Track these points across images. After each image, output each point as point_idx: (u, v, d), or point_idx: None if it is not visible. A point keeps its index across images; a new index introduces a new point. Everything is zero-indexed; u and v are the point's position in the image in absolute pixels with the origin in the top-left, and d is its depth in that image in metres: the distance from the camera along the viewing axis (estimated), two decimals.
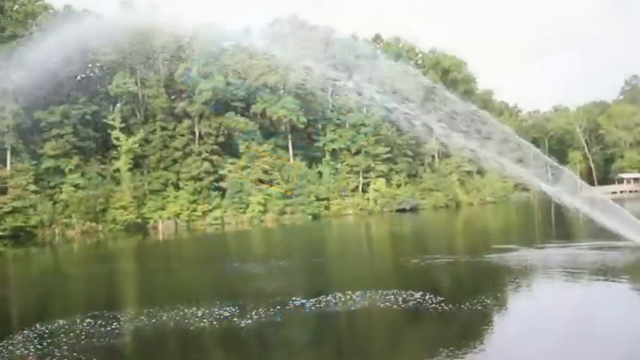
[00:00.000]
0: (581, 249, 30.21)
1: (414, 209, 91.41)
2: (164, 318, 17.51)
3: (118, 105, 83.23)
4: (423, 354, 12.88)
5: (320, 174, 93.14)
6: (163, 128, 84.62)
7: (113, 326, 16.42)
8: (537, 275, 24.04)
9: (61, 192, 74.31)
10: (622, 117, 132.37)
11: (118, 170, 79.52)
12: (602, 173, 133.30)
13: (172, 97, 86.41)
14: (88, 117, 78.73)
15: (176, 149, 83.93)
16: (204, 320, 16.91)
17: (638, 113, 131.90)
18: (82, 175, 76.42)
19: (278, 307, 18.34)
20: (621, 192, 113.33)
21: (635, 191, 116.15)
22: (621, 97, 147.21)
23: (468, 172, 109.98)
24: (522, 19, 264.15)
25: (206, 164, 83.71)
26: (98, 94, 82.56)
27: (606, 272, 22.99)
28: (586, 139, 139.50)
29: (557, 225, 55.50)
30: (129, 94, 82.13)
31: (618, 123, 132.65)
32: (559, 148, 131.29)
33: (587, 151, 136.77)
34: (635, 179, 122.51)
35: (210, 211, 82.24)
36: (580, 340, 13.63)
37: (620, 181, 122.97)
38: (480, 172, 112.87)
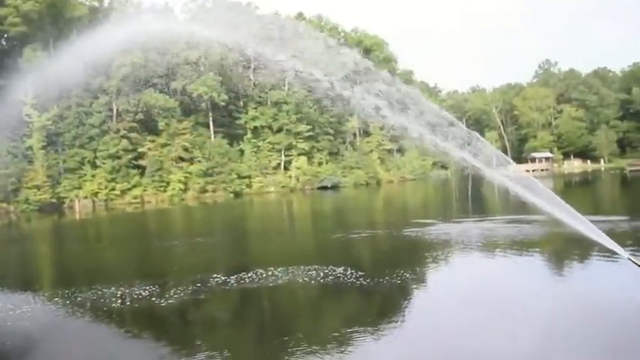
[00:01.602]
0: (496, 223, 31.73)
1: (335, 187, 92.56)
2: (79, 299, 17.20)
3: (29, 79, 79.48)
4: (342, 328, 13.28)
5: (241, 152, 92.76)
6: (79, 105, 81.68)
7: (24, 309, 15.99)
8: (455, 249, 24.93)
9: None
10: (535, 99, 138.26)
11: (30, 148, 76.23)
12: (516, 153, 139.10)
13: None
14: None
15: (93, 126, 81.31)
16: (125, 300, 16.74)
17: (550, 96, 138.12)
18: None
19: (199, 285, 18.35)
20: (533, 170, 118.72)
21: (546, 170, 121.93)
22: (535, 79, 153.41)
23: (389, 151, 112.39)
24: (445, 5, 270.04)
25: (124, 142, 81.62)
26: (6, 68, 78.51)
27: (519, 245, 24.28)
28: (502, 119, 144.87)
29: (474, 201, 57.75)
30: (40, 68, 78.50)
31: (532, 105, 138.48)
32: (476, 128, 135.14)
33: (502, 131, 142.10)
34: (546, 158, 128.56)
35: (130, 189, 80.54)
36: (495, 312, 14.23)
37: (533, 160, 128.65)
38: (400, 150, 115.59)
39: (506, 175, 15.71)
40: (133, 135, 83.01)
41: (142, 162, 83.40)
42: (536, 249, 23.95)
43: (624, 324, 12.32)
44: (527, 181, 15.38)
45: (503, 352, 11.16)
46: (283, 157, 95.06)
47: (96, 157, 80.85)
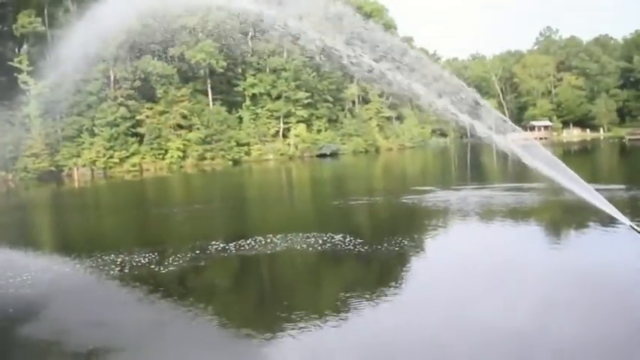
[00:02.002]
0: (495, 190, 31.84)
1: (334, 154, 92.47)
2: (78, 266, 17.30)
3: (25, 46, 78.72)
4: (341, 295, 13.38)
5: (240, 119, 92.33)
6: (76, 72, 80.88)
7: (24, 277, 16.07)
8: (453, 216, 25.06)
9: None
10: (535, 66, 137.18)
11: (27, 116, 75.79)
12: (515, 121, 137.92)
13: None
14: None
15: (90, 94, 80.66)
16: (124, 267, 16.82)
17: (551, 63, 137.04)
18: None
19: (198, 252, 18.44)
20: (525, 139, 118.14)
21: (545, 138, 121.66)
22: (535, 47, 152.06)
23: (388, 118, 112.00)
24: None
25: (122, 109, 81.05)
26: (1, 34, 77.67)
27: (518, 213, 24.39)
28: (501, 87, 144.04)
29: (473, 168, 57.85)
30: (36, 35, 77.70)
31: (532, 72, 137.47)
32: None
33: (502, 98, 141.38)
34: (545, 127, 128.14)
35: (128, 157, 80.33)
36: (494, 281, 14.33)
37: (532, 128, 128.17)
38: (399, 118, 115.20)
39: (514, 142, 15.60)
40: (130, 102, 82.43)
41: (140, 130, 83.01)
42: (535, 217, 24.07)
43: (623, 292, 12.42)
44: (536, 149, 15.31)
45: (502, 320, 11.25)
46: (282, 124, 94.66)
47: (94, 125, 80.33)
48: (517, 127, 20.01)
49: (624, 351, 9.42)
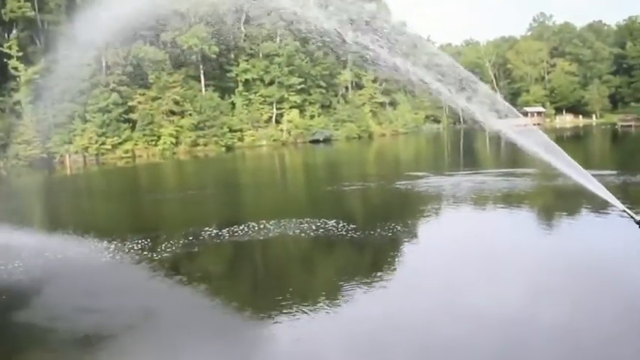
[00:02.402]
0: (487, 176, 31.94)
1: (327, 140, 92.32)
2: (71, 252, 17.23)
3: (14, 31, 77.88)
4: (334, 281, 13.42)
5: (233, 105, 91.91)
6: (66, 57, 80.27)
7: (15, 264, 15.98)
8: (446, 202, 25.13)
9: None
10: (529, 53, 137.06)
11: (18, 102, 75.19)
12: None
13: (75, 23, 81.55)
14: None
15: (82, 80, 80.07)
16: (116, 254, 16.78)
17: (544, 49, 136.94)
18: None
19: (191, 238, 18.42)
20: (525, 125, 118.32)
21: (538, 124, 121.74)
22: (529, 33, 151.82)
23: (381, 104, 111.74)
24: None
25: (114, 95, 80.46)
26: None
27: (511, 198, 24.49)
28: (495, 73, 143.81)
29: (466, 154, 57.96)
30: (25, 20, 76.91)
31: (525, 58, 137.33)
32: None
33: (495, 84, 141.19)
34: (539, 113, 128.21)
35: (121, 144, 79.84)
36: (486, 267, 14.36)
37: (525, 114, 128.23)
38: (393, 103, 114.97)
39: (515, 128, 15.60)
40: (123, 88, 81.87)
41: (132, 116, 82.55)
42: (528, 202, 24.16)
43: (615, 277, 12.50)
44: (537, 135, 15.29)
45: (495, 307, 11.30)
46: (275, 110, 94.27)
47: (86, 112, 79.76)
48: (519, 114, 20.01)
49: (614, 335, 9.50)
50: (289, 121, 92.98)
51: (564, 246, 16.03)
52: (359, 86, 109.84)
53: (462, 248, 16.22)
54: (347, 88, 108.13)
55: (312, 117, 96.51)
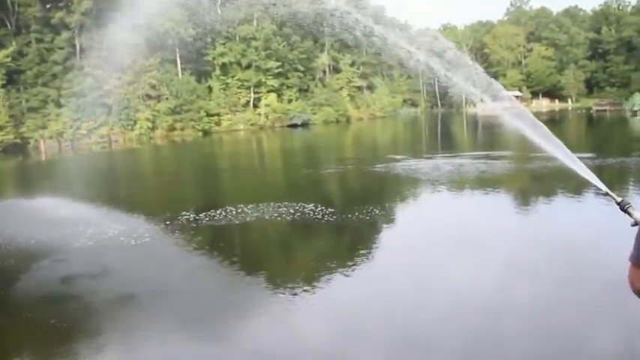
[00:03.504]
0: (465, 159, 32.11)
1: (305, 124, 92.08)
2: (44, 239, 16.95)
3: None
4: (311, 265, 13.36)
5: (210, 89, 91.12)
6: (39, 40, 78.86)
7: None
8: (425, 185, 25.18)
9: None
10: (506, 37, 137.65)
11: None
12: (485, 91, 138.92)
13: (47, 5, 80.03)
14: None
15: (55, 63, 78.74)
16: (93, 239, 16.55)
17: (521, 34, 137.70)
18: None
19: (168, 223, 18.24)
20: (513, 108, 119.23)
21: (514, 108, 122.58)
22: (506, 17, 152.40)
23: (358, 88, 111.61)
24: None
25: (89, 79, 79.14)
26: None
27: (488, 181, 24.63)
28: (472, 57, 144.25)
29: (444, 138, 58.22)
30: None
31: (502, 43, 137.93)
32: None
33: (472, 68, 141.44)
34: (515, 97, 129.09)
35: (96, 129, 78.79)
36: (464, 250, 14.39)
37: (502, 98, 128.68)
38: (370, 87, 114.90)
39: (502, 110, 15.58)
40: (98, 72, 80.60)
41: (108, 100, 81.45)
42: (506, 184, 24.34)
43: (593, 259, 12.60)
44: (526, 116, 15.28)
45: (474, 289, 11.33)
46: (252, 94, 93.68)
47: (60, 96, 78.55)
48: (513, 97, 20.02)
49: (592, 313, 9.59)
50: (267, 105, 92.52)
51: (543, 227, 16.14)
52: (336, 70, 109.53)
53: (441, 231, 16.26)
54: (324, 72, 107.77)
55: (289, 101, 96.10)
